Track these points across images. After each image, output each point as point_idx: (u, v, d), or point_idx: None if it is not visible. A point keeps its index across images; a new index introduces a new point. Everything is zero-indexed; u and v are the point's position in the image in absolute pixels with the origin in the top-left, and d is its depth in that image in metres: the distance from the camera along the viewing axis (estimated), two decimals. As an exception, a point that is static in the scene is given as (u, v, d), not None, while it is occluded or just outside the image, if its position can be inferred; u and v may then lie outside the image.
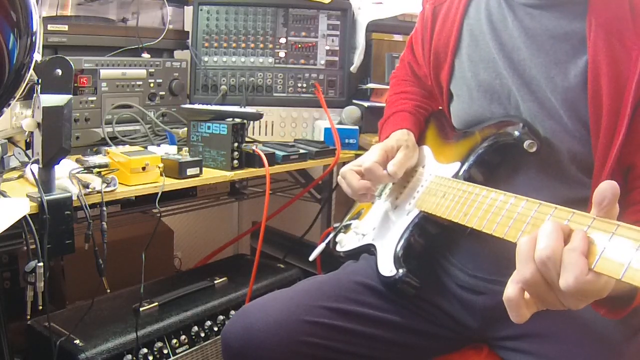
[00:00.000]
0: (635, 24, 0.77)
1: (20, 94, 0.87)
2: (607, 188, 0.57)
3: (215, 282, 1.53)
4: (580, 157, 0.83)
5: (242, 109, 1.44)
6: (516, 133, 0.84)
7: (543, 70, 0.84)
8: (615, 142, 0.78)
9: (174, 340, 1.33)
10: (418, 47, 1.10)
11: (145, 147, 1.32)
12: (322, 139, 1.62)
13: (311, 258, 1.12)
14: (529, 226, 0.65)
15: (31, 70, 0.86)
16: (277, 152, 1.44)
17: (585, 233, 0.57)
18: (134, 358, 1.25)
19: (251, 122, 1.59)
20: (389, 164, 0.96)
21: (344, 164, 1.78)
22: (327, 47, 1.72)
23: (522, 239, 0.61)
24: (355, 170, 0.98)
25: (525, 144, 0.83)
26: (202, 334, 1.40)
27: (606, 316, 0.71)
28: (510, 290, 0.60)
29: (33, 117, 1.00)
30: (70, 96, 0.99)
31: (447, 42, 0.98)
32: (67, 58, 1.07)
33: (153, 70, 1.56)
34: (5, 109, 0.85)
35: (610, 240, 0.55)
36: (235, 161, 1.34)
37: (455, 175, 0.89)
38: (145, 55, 1.58)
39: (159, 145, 1.42)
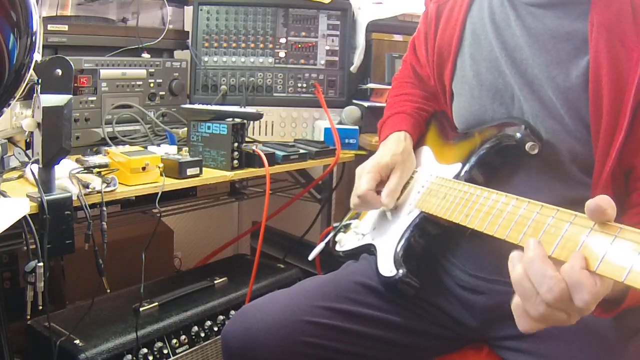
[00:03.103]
0: (636, 24, 0.77)
1: (20, 94, 0.87)
2: (607, 204, 0.57)
3: (215, 282, 1.53)
4: (581, 157, 0.83)
5: (242, 109, 1.44)
6: (518, 135, 0.84)
7: (545, 69, 0.84)
8: (615, 143, 0.78)
9: (174, 340, 1.33)
10: (421, 47, 1.10)
11: (145, 147, 1.32)
12: (322, 139, 1.62)
13: (310, 257, 1.13)
14: (531, 229, 0.65)
15: (31, 70, 0.86)
16: (277, 152, 1.44)
17: (580, 253, 0.57)
18: (134, 358, 1.25)
19: (251, 122, 1.59)
20: (383, 193, 0.96)
21: (344, 164, 1.81)
22: (327, 47, 1.72)
23: (516, 278, 0.62)
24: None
25: (527, 146, 0.82)
26: (202, 334, 1.40)
27: (599, 316, 0.72)
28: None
29: (33, 117, 1.00)
30: (70, 96, 0.99)
31: (450, 41, 0.98)
32: (67, 58, 1.07)
33: (153, 70, 1.55)
34: (5, 109, 0.85)
35: (613, 243, 0.55)
36: (235, 161, 1.34)
37: (456, 177, 0.89)
38: (145, 55, 1.58)
39: (159, 145, 1.42)
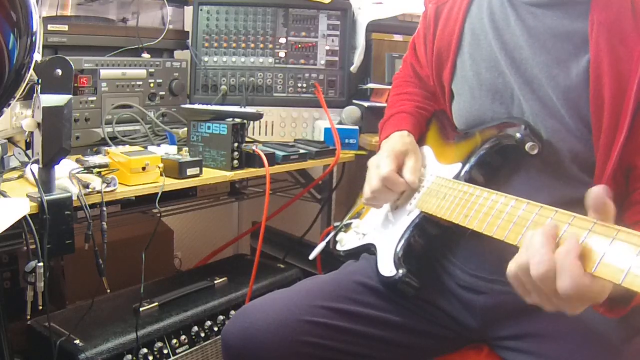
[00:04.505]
0: (636, 23, 0.77)
1: (20, 94, 0.87)
2: (601, 194, 0.58)
3: (215, 282, 1.53)
4: (581, 156, 0.83)
5: (242, 109, 1.44)
6: (518, 135, 0.84)
7: (545, 69, 0.84)
8: (616, 141, 0.78)
9: (174, 340, 1.33)
10: (420, 48, 1.10)
11: (145, 147, 1.32)
12: (322, 139, 1.62)
13: (311, 257, 1.13)
14: (529, 230, 0.65)
15: (31, 70, 0.86)
16: (277, 152, 1.44)
17: (578, 238, 0.58)
18: (134, 358, 1.25)
19: (251, 122, 1.59)
20: (405, 172, 0.96)
21: (344, 164, 1.81)
22: (327, 47, 1.72)
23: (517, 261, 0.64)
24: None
25: (527, 146, 0.82)
26: (202, 334, 1.40)
27: (605, 315, 0.72)
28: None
29: (33, 117, 1.00)
30: (70, 96, 0.99)
31: (449, 42, 0.98)
32: (67, 58, 1.07)
33: (153, 70, 1.55)
34: (5, 109, 0.85)
35: (611, 245, 0.55)
36: (235, 161, 1.34)
37: (457, 177, 0.89)
38: (145, 55, 1.58)
39: (159, 145, 1.42)
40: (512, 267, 0.64)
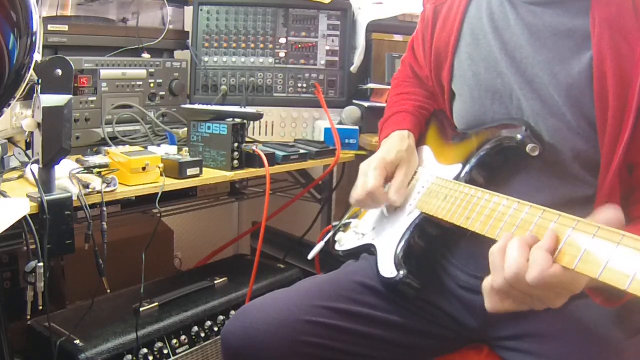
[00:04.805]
0: (638, 20, 0.77)
1: (20, 94, 0.87)
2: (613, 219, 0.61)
3: (215, 282, 1.53)
4: (584, 154, 0.83)
5: (242, 109, 1.44)
6: (519, 136, 0.83)
7: (546, 67, 0.84)
8: (621, 139, 0.78)
9: (174, 340, 1.33)
10: (419, 48, 1.10)
11: (145, 147, 1.32)
12: (322, 139, 1.62)
13: (310, 256, 1.12)
14: (533, 233, 0.65)
15: (31, 70, 0.86)
16: (277, 152, 1.44)
17: (555, 233, 0.62)
18: (134, 358, 1.25)
19: (251, 122, 1.59)
20: (390, 191, 0.96)
21: (344, 164, 1.81)
22: (327, 47, 1.72)
23: (494, 249, 0.67)
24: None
25: (528, 147, 0.82)
26: (202, 334, 1.40)
27: (603, 304, 0.74)
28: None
29: (33, 117, 1.00)
30: (70, 96, 0.99)
31: (447, 42, 0.98)
32: (67, 58, 1.07)
33: (153, 70, 1.55)
34: (5, 109, 0.85)
35: (616, 250, 0.55)
36: (235, 161, 1.34)
37: (457, 177, 0.89)
38: (145, 55, 1.58)
39: (159, 145, 1.42)
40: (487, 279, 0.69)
